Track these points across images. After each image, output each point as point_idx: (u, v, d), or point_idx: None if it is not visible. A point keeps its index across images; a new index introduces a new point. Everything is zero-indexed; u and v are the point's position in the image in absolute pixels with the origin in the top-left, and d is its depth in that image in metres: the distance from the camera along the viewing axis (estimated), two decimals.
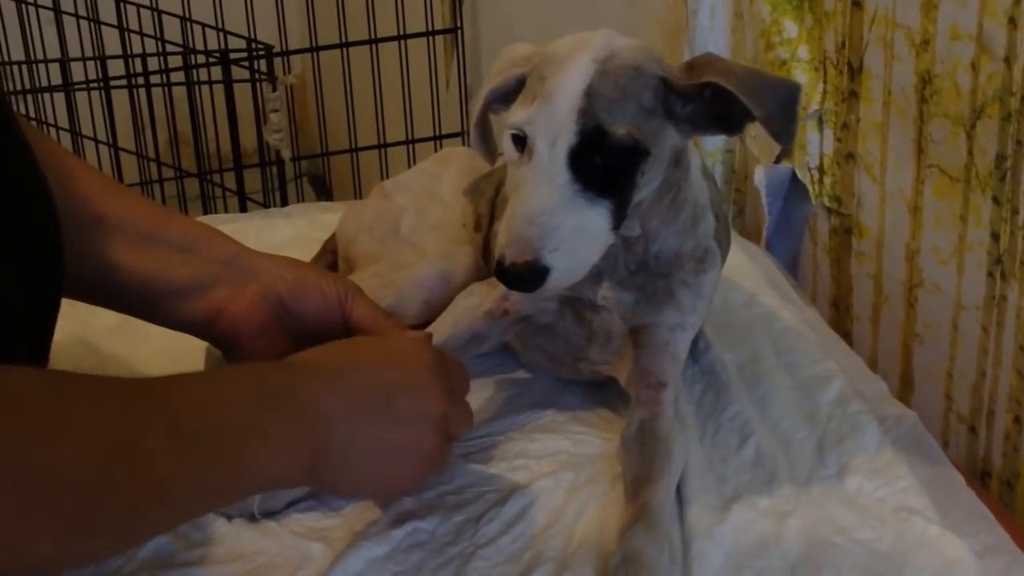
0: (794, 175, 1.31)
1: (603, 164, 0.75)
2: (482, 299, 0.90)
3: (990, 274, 1.03)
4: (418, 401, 0.71)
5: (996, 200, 1.01)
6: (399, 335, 0.84)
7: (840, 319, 1.28)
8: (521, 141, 0.77)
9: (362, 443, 0.68)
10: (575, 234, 0.74)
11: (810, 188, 1.29)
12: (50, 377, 0.57)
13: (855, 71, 1.19)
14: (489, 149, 0.86)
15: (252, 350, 0.83)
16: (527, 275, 0.73)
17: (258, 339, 0.83)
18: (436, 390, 0.72)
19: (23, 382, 0.53)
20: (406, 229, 1.03)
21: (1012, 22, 0.96)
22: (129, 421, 0.56)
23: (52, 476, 0.51)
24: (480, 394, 0.94)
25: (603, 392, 0.93)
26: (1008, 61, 0.97)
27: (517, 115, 0.77)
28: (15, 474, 0.50)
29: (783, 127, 0.75)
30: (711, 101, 0.77)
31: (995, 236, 1.01)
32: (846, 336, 1.22)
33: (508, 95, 0.81)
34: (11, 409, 0.51)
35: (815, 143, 1.26)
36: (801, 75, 1.26)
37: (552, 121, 0.74)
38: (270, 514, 0.79)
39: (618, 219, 0.77)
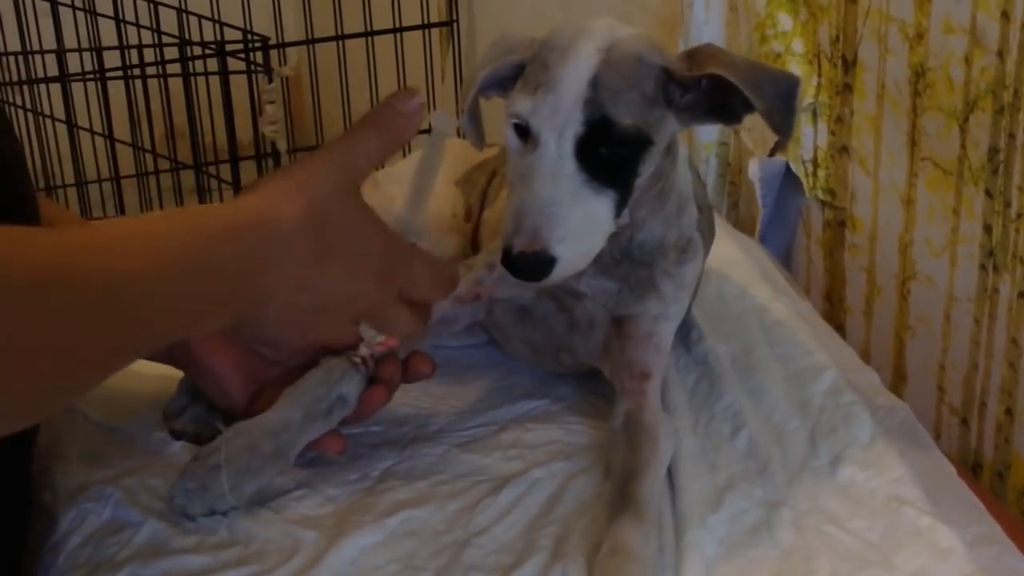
0: (788, 168, 1.32)
1: (609, 154, 0.75)
2: None
3: (982, 267, 1.03)
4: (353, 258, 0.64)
5: (988, 193, 1.01)
6: None
7: (833, 311, 1.28)
8: (524, 130, 0.76)
9: (289, 293, 0.61)
10: (581, 224, 0.74)
11: (804, 181, 1.29)
12: None
13: (849, 64, 1.19)
14: (479, 134, 0.86)
15: (212, 363, 0.83)
16: (535, 264, 0.73)
17: (216, 352, 0.83)
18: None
19: None
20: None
21: (1005, 16, 0.96)
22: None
23: None
24: (474, 385, 0.94)
25: (596, 382, 0.94)
26: (1001, 55, 0.97)
27: (520, 104, 0.76)
28: None
29: (783, 119, 0.76)
30: (709, 91, 0.77)
31: (987, 229, 1.02)
32: (839, 328, 1.23)
33: (503, 81, 0.81)
34: None
35: (809, 136, 1.27)
36: (795, 68, 1.26)
37: (558, 111, 0.74)
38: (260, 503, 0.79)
39: (620, 208, 0.77)
